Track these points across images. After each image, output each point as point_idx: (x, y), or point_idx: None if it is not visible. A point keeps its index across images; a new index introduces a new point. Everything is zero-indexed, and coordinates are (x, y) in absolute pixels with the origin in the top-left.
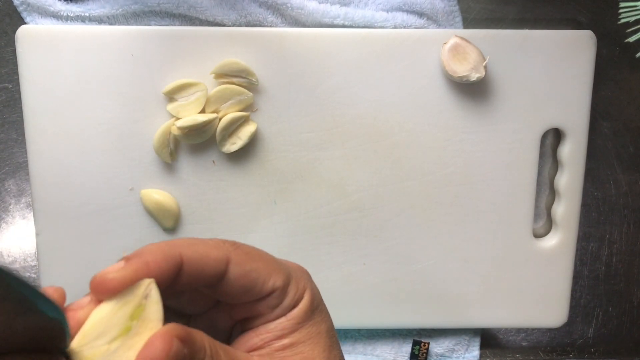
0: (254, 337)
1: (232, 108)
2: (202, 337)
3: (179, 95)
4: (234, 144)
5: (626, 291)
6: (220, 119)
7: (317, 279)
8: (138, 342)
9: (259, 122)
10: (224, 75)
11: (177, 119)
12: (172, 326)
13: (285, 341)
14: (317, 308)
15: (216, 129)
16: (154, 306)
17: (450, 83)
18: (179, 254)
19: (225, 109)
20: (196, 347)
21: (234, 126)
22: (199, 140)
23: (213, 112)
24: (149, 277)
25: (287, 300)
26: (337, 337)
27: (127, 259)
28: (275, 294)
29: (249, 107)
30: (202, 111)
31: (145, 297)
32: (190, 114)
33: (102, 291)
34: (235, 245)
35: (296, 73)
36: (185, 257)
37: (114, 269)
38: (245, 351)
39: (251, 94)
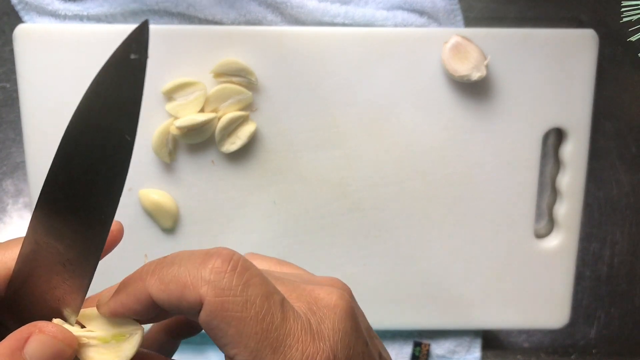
0: None
1: (231, 107)
2: None
3: (178, 95)
4: (233, 144)
5: (628, 292)
6: (219, 119)
7: None
8: (105, 355)
9: (259, 121)
10: (223, 74)
11: (176, 118)
12: None
13: None
14: None
15: (215, 128)
16: (130, 346)
17: (451, 82)
18: (147, 295)
19: (225, 108)
20: None
21: (233, 126)
22: (198, 140)
23: (212, 111)
24: (122, 314)
25: None
26: None
27: (115, 292)
28: None
29: (249, 107)
30: (201, 111)
31: (131, 334)
32: (189, 114)
33: (102, 314)
34: (220, 286)
35: (296, 72)
36: (154, 298)
37: (103, 298)
38: None
39: (250, 93)
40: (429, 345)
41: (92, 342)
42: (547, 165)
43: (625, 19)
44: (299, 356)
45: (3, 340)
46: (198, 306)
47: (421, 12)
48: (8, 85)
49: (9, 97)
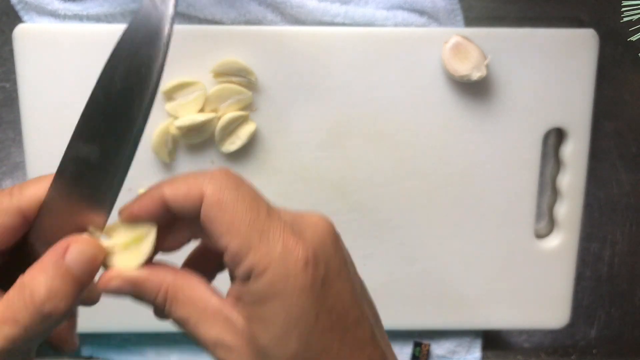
0: (238, 287)
1: (231, 107)
2: (162, 277)
3: (178, 95)
4: (233, 144)
5: (629, 292)
6: (219, 119)
7: None
8: (128, 257)
9: (259, 121)
10: (223, 74)
11: (176, 118)
12: (129, 270)
13: (247, 309)
14: (280, 296)
15: (215, 128)
16: (148, 244)
17: (451, 82)
18: (161, 195)
19: (225, 108)
20: (145, 288)
21: (233, 126)
22: (197, 139)
23: (212, 111)
24: (140, 216)
25: (241, 269)
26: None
27: (134, 200)
28: (228, 255)
29: (248, 107)
30: (201, 110)
31: (146, 234)
32: (189, 114)
33: (123, 218)
34: (217, 184)
35: (296, 72)
36: (166, 196)
37: (125, 206)
38: (232, 296)
39: (250, 93)
40: (429, 345)
41: (116, 249)
42: (547, 165)
43: (625, 19)
44: (280, 246)
45: (45, 254)
46: (200, 201)
47: (421, 12)
48: (8, 85)
49: (9, 97)
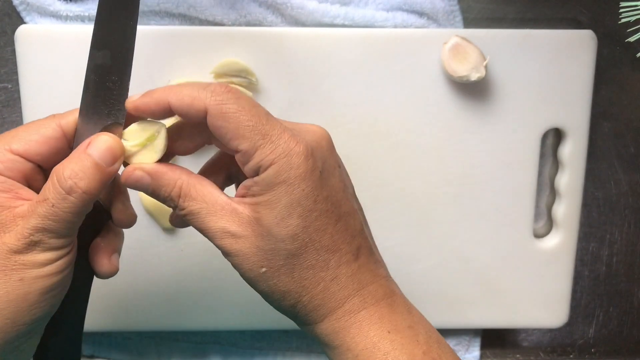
0: (243, 188)
1: None
2: (178, 175)
3: None
4: None
5: (627, 291)
6: None
7: None
8: (146, 155)
9: None
10: (223, 74)
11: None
12: (148, 163)
13: (249, 199)
14: (284, 183)
15: None
16: (161, 140)
17: (450, 83)
18: (167, 102)
19: None
20: (162, 181)
21: None
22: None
23: None
24: (143, 111)
25: (250, 164)
26: (316, 215)
27: (141, 95)
28: (239, 155)
29: None
30: None
31: (158, 132)
32: None
33: (128, 109)
34: (218, 100)
35: (296, 73)
36: (172, 104)
37: (131, 98)
38: (238, 195)
39: (251, 93)
40: None
41: (134, 149)
42: (545, 165)
43: (623, 20)
44: (282, 143)
45: (73, 151)
46: (204, 113)
47: (421, 13)
48: (10, 86)
49: (11, 98)
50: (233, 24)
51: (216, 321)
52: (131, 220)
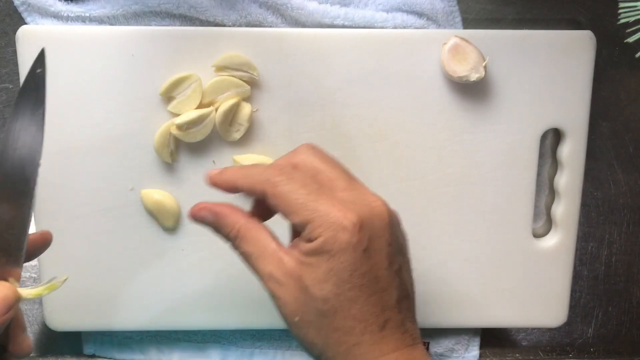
0: (295, 242)
1: (229, 100)
2: (238, 219)
3: (176, 92)
4: (238, 131)
5: (626, 291)
6: (216, 110)
7: None
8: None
9: (259, 122)
10: (225, 68)
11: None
12: (215, 203)
13: (300, 257)
14: (327, 253)
15: (215, 122)
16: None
17: (450, 83)
18: (236, 184)
19: (223, 100)
20: (224, 222)
21: (232, 114)
22: (200, 137)
23: (210, 103)
24: (218, 188)
25: (303, 234)
26: (355, 284)
27: (218, 173)
28: (292, 225)
29: (246, 100)
30: (201, 103)
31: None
32: (191, 108)
33: (208, 184)
34: (273, 182)
35: (296, 73)
36: (238, 185)
37: (212, 172)
38: (289, 246)
39: (248, 86)
40: (428, 343)
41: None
42: (544, 165)
43: (622, 21)
44: (330, 219)
45: None
46: (262, 194)
47: (420, 14)
48: (11, 87)
49: (12, 98)
50: (233, 25)
51: (216, 321)
52: (28, 352)
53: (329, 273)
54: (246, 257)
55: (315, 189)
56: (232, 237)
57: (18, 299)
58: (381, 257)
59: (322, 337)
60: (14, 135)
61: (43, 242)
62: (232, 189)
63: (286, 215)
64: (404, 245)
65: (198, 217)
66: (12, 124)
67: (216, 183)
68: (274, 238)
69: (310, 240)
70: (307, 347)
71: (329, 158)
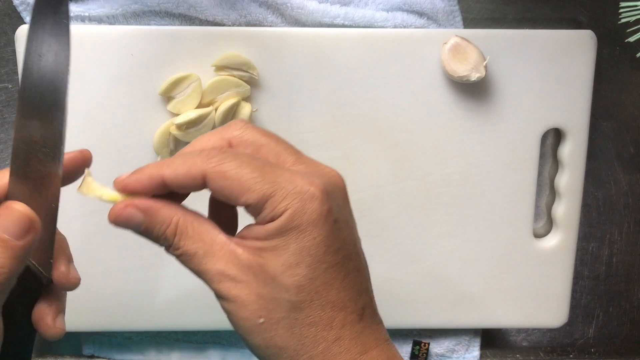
0: (246, 229)
1: (228, 99)
2: (174, 211)
3: (176, 92)
4: None
5: (626, 291)
6: (216, 110)
7: None
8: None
9: (259, 122)
10: (225, 67)
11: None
12: (140, 199)
13: (257, 243)
14: (296, 229)
15: (215, 122)
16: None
17: (450, 83)
18: (161, 176)
19: (222, 100)
20: (156, 219)
21: (231, 114)
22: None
23: (209, 103)
24: (136, 192)
25: (263, 214)
26: (328, 265)
27: (131, 173)
28: (249, 208)
29: (246, 100)
30: (200, 103)
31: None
32: (190, 107)
33: (117, 190)
34: (214, 161)
35: (296, 73)
36: (166, 177)
37: (120, 178)
38: (238, 236)
39: (248, 86)
40: (428, 344)
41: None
42: (545, 165)
43: (623, 20)
44: (295, 187)
45: None
46: (202, 179)
47: (420, 13)
48: (10, 86)
49: (11, 98)
50: (233, 24)
51: (216, 321)
52: (74, 284)
53: (301, 253)
54: (189, 258)
55: (264, 163)
56: (168, 236)
57: (38, 221)
58: (349, 232)
59: (294, 337)
60: (37, 41)
61: (83, 160)
62: (157, 185)
63: (238, 197)
64: (355, 221)
65: (123, 218)
66: (33, 28)
67: (127, 186)
68: (220, 230)
69: (272, 220)
70: (273, 355)
71: (269, 132)
